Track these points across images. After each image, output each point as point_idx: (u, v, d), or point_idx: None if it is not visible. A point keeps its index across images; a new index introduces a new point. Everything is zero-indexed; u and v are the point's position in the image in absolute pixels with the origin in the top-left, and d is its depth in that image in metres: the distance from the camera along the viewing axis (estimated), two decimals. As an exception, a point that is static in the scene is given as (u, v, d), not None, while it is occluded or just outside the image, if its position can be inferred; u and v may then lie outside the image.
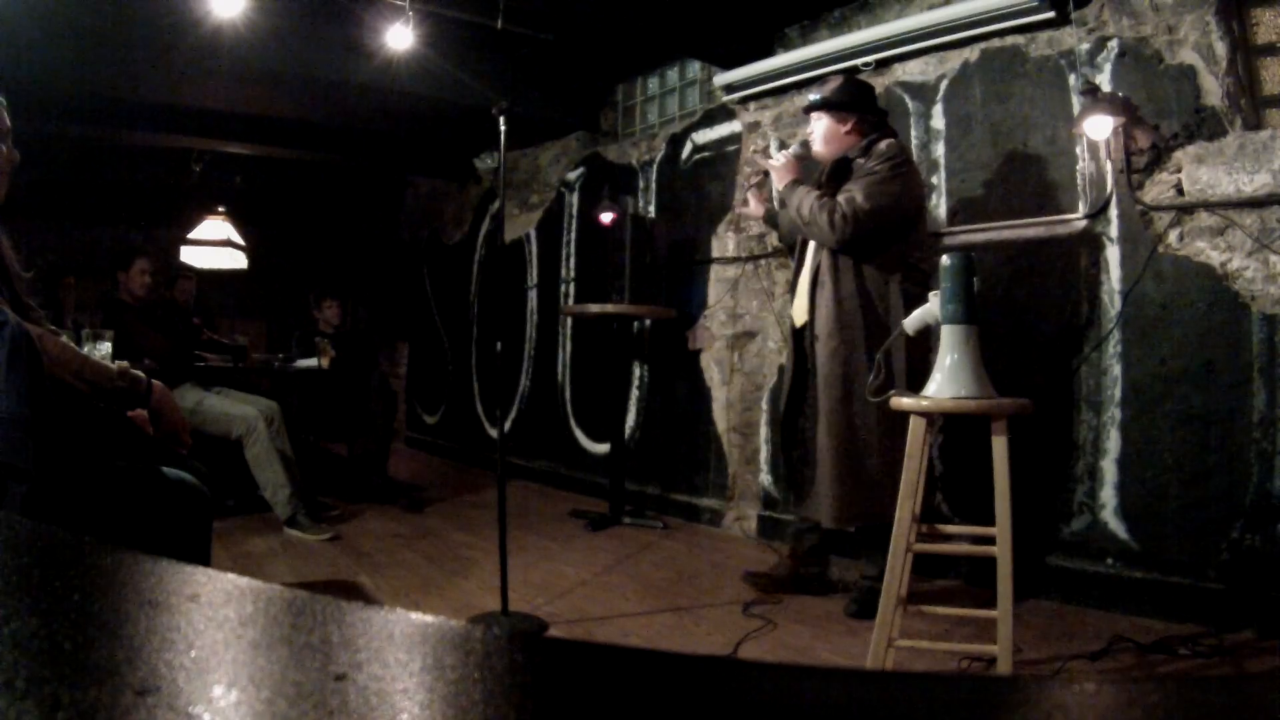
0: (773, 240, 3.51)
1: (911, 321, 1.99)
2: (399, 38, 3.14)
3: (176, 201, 5.92)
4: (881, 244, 2.33)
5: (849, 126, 2.43)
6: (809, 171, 2.55)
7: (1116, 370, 2.48)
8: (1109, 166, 2.51)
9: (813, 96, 2.49)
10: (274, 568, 2.84)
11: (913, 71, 3.04)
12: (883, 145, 2.36)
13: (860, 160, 2.37)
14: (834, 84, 2.48)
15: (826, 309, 2.36)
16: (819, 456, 2.37)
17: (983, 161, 2.82)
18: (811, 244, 2.50)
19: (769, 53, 3.47)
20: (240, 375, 3.83)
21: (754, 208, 2.80)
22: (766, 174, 2.56)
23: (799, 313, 2.52)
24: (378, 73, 3.57)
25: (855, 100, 2.44)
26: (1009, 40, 2.77)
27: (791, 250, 2.69)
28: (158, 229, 6.33)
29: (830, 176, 2.43)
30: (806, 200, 2.34)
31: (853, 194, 2.28)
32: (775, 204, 2.53)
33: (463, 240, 5.78)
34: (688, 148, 3.97)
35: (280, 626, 0.34)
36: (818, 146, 2.47)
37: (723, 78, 3.57)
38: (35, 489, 1.11)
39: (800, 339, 2.52)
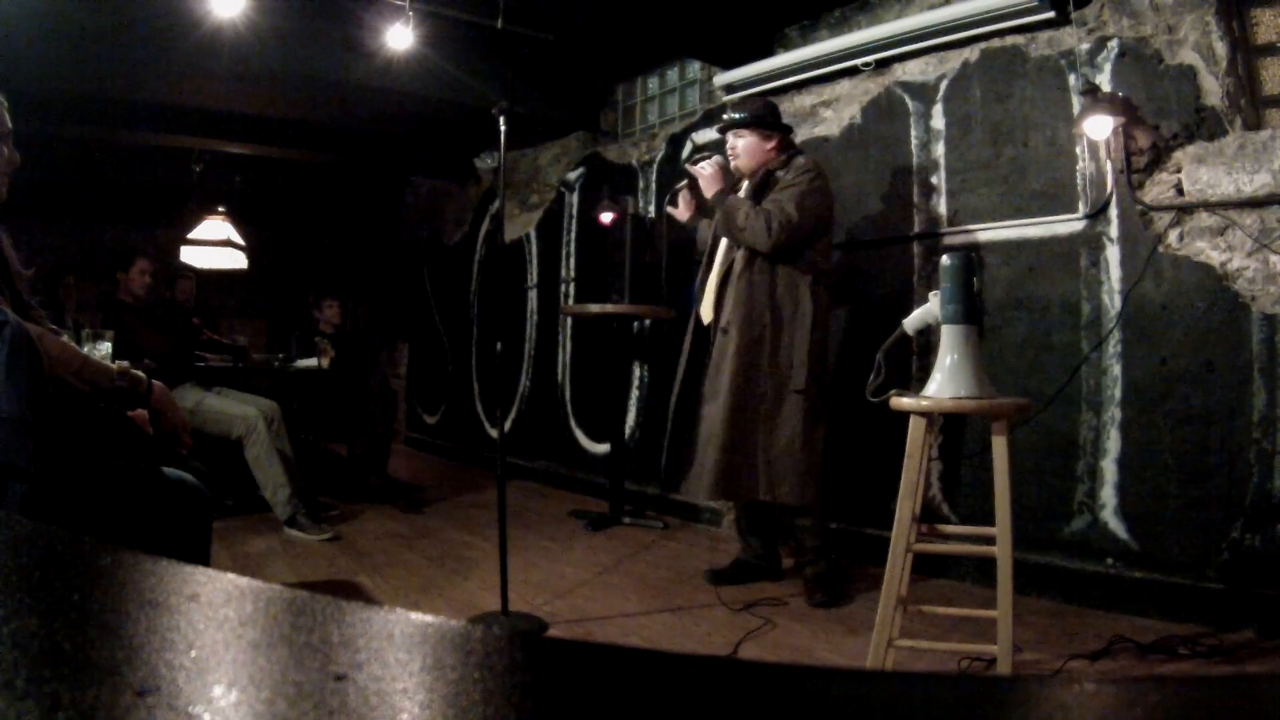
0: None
1: (912, 321, 1.99)
2: (399, 38, 3.14)
3: (176, 201, 5.91)
4: (796, 250, 2.51)
5: (773, 144, 2.64)
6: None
7: (1116, 370, 2.48)
8: (1109, 166, 2.51)
9: (736, 115, 2.66)
10: (274, 568, 2.84)
11: (913, 71, 3.04)
12: (801, 160, 2.59)
13: (781, 173, 2.56)
14: (755, 104, 2.71)
15: (740, 307, 2.53)
16: (708, 440, 2.52)
17: (983, 161, 2.82)
18: (722, 247, 2.68)
19: (769, 53, 3.47)
20: (240, 375, 3.82)
21: (682, 210, 2.94)
22: (694, 181, 2.71)
23: (707, 310, 2.70)
24: (378, 73, 3.57)
25: (776, 119, 2.67)
26: (1009, 40, 2.77)
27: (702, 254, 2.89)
28: (158, 229, 6.32)
29: (756, 189, 2.59)
30: (741, 208, 2.51)
31: (782, 204, 2.46)
32: (694, 210, 2.74)
33: (463, 240, 5.78)
34: (688, 148, 3.97)
35: (280, 626, 0.34)
36: (741, 160, 2.65)
37: (723, 78, 3.57)
38: (35, 489, 1.11)
39: (703, 333, 2.71)
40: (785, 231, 2.43)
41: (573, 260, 4.68)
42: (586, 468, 4.38)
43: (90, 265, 4.71)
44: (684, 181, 2.88)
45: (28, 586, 0.38)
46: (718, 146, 3.81)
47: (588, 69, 4.39)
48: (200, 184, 5.60)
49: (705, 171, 2.62)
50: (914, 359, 2.94)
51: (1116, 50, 2.51)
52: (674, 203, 2.87)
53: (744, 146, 2.64)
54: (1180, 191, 2.36)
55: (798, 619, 2.35)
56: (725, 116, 2.70)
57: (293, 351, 4.32)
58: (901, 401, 1.85)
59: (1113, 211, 2.51)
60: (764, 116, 2.65)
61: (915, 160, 3.02)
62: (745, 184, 2.67)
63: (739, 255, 2.57)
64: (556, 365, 4.73)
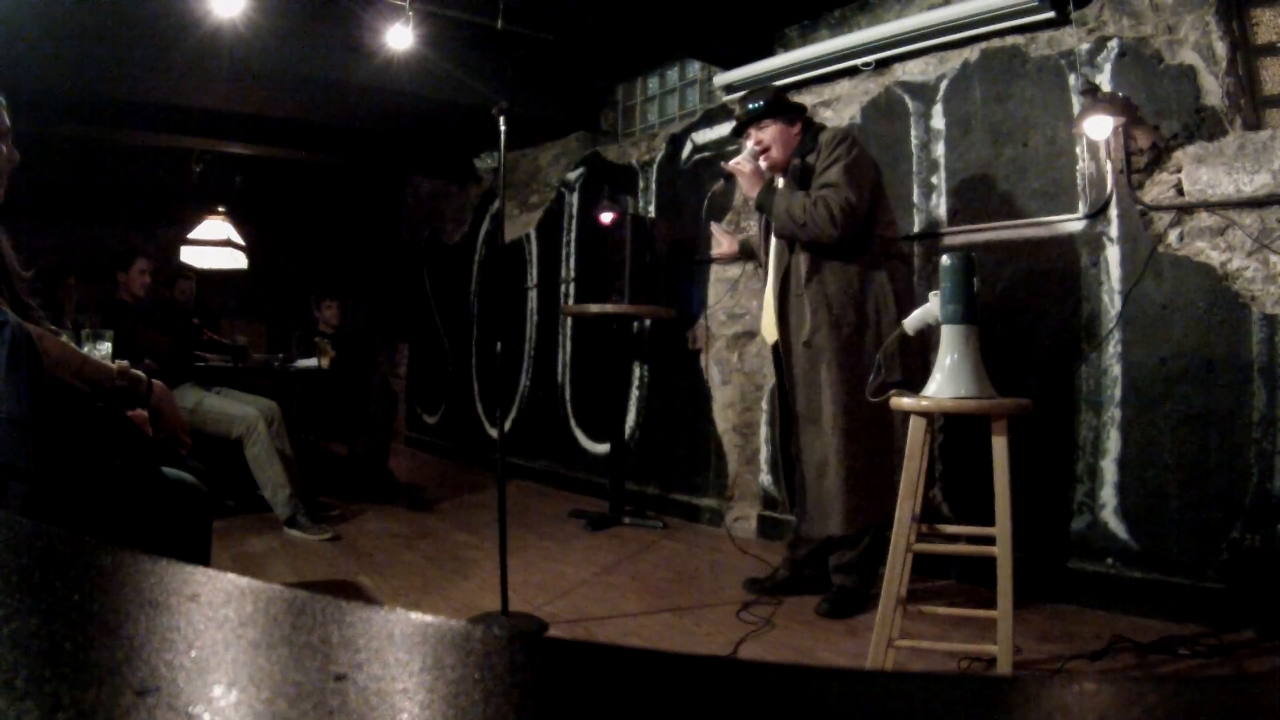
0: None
1: (911, 321, 1.99)
2: (399, 38, 3.14)
3: (176, 201, 5.92)
4: (861, 230, 2.31)
5: (797, 128, 2.47)
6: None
7: (1116, 370, 2.48)
8: (1109, 166, 2.51)
9: (753, 106, 2.46)
10: (274, 568, 2.84)
11: (913, 71, 3.04)
12: (827, 133, 2.38)
13: (812, 158, 2.37)
14: (767, 93, 2.52)
15: (819, 313, 2.32)
16: (821, 469, 2.33)
17: (983, 161, 2.82)
18: (774, 254, 2.47)
19: (769, 53, 3.47)
20: (240, 375, 3.82)
21: (727, 246, 2.81)
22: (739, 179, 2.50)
23: (769, 329, 2.48)
24: (378, 73, 3.57)
25: (793, 104, 2.52)
26: (1009, 40, 2.77)
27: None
28: (158, 229, 6.33)
29: (797, 181, 2.40)
30: (795, 201, 2.29)
31: (834, 184, 2.25)
32: (755, 206, 2.49)
33: (463, 240, 5.78)
34: (688, 148, 3.97)
35: (280, 626, 0.34)
36: (775, 153, 2.44)
37: (723, 78, 3.57)
38: (35, 489, 1.11)
39: (778, 355, 2.49)
40: (847, 215, 2.22)
41: (573, 260, 4.68)
42: (586, 468, 4.38)
43: (90, 265, 4.71)
44: (719, 183, 2.71)
45: (28, 586, 0.38)
46: (717, 146, 3.83)
47: (588, 69, 4.39)
48: (200, 184, 5.60)
49: (745, 168, 2.39)
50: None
51: (1116, 50, 2.51)
52: (717, 243, 2.71)
53: (773, 137, 2.43)
54: (1180, 191, 2.36)
55: (798, 619, 2.35)
56: (740, 113, 2.51)
57: (293, 351, 4.32)
58: (901, 401, 1.85)
59: (1113, 211, 2.51)
60: (783, 101, 2.48)
61: (915, 160, 3.02)
62: (779, 179, 2.47)
63: (801, 258, 2.34)
64: (556, 365, 4.73)
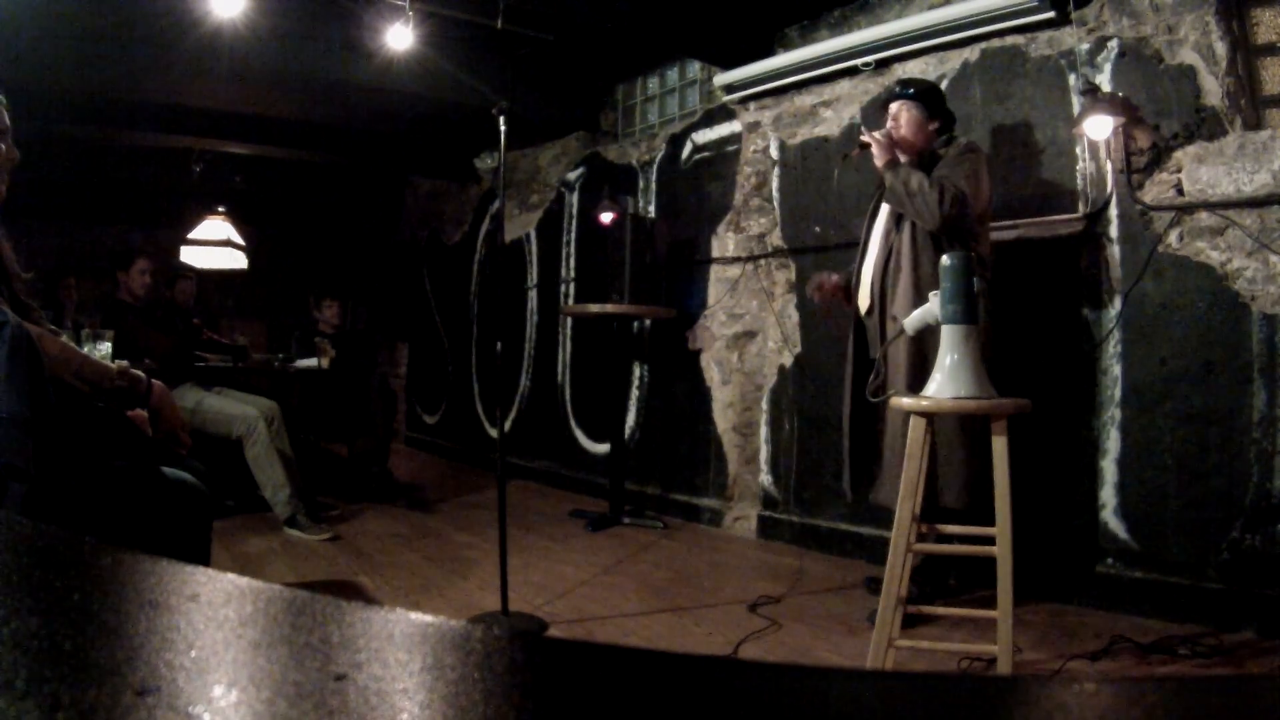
0: (773, 240, 3.51)
1: (911, 321, 1.99)
2: (399, 38, 3.13)
3: (176, 201, 5.92)
4: (959, 235, 2.38)
5: (934, 126, 2.53)
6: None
7: (1116, 370, 2.48)
8: (1109, 166, 2.51)
9: (900, 89, 2.54)
10: (274, 568, 2.84)
11: (913, 71, 3.04)
12: (963, 141, 2.49)
13: (943, 151, 2.46)
14: (924, 83, 2.58)
15: (908, 294, 2.40)
16: (892, 438, 2.38)
17: (983, 161, 2.82)
18: (879, 231, 2.54)
19: (769, 53, 3.47)
20: (240, 375, 3.82)
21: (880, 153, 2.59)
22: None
23: (864, 297, 2.58)
24: (378, 73, 3.57)
25: (943, 104, 2.56)
26: (1009, 40, 2.77)
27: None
28: (158, 229, 6.33)
29: (919, 165, 2.46)
30: (915, 176, 2.38)
31: (952, 179, 2.35)
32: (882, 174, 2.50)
33: (463, 240, 5.79)
34: (688, 148, 3.97)
35: (280, 626, 0.34)
36: (905, 130, 2.51)
37: (723, 78, 3.57)
38: (35, 489, 1.11)
39: (862, 326, 2.58)
40: (956, 206, 2.31)
41: (573, 260, 4.68)
42: (586, 468, 4.38)
43: (90, 265, 4.71)
44: (856, 150, 2.64)
45: (28, 586, 0.38)
46: (717, 146, 3.83)
47: (588, 69, 4.39)
48: (200, 184, 5.60)
49: (880, 139, 2.47)
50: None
51: (1116, 50, 2.51)
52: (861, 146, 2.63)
53: (908, 119, 2.52)
54: (1180, 191, 2.36)
55: (798, 619, 2.35)
56: (889, 88, 2.60)
57: (293, 351, 4.32)
58: (902, 402, 1.85)
59: (1113, 211, 2.51)
60: (933, 93, 2.56)
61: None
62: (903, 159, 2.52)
63: (904, 239, 2.45)
64: (556, 365, 4.73)
